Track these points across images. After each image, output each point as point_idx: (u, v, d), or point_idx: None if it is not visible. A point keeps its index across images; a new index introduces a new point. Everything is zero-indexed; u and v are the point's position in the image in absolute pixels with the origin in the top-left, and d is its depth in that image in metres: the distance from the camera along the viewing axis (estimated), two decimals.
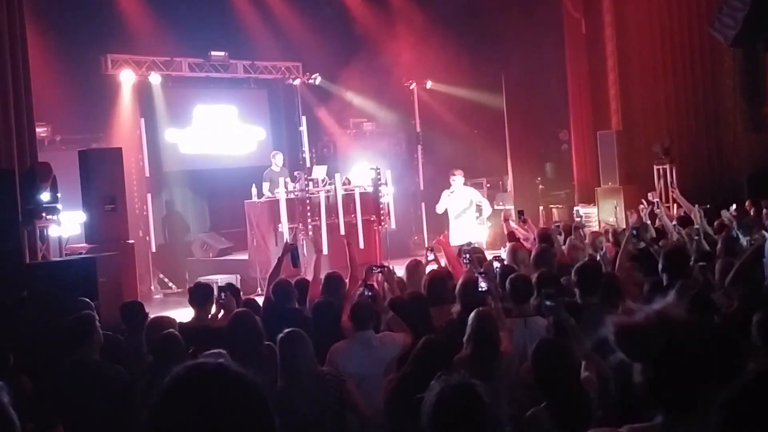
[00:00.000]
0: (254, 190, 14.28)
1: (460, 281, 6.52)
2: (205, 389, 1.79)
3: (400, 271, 8.26)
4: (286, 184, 14.13)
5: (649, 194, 14.12)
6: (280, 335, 5.00)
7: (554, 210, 16.65)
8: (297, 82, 17.94)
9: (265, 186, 14.26)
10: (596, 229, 12.83)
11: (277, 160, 14.97)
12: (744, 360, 1.91)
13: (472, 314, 5.17)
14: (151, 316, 7.13)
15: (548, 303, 5.01)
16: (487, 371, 4.72)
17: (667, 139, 15.11)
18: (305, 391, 4.86)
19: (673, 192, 13.50)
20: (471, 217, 13.28)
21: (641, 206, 10.46)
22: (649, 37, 15.81)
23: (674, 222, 9.92)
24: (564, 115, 17.08)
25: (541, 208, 16.64)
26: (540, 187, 17.15)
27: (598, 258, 7.78)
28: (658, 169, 14.98)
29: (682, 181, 14.46)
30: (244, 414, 1.79)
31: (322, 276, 7.48)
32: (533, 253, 7.80)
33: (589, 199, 15.89)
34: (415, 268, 7.73)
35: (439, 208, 13.59)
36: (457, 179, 13.27)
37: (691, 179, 14.82)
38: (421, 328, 5.82)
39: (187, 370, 1.83)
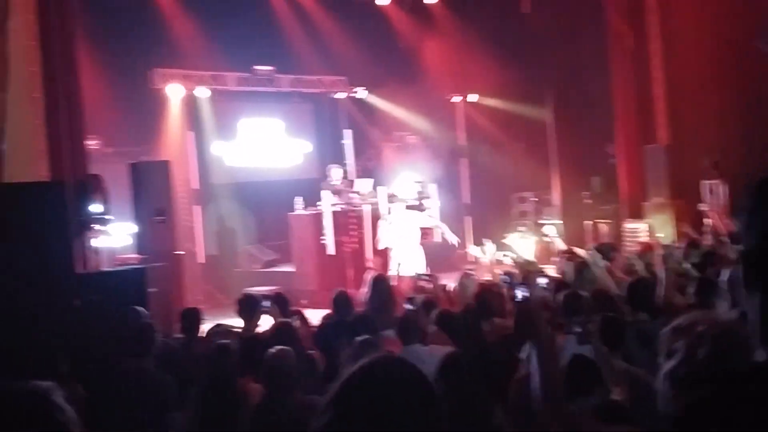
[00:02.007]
0: (299, 203, 14.34)
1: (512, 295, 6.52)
2: (392, 379, 1.85)
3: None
4: (339, 193, 14.20)
5: (699, 204, 13.92)
6: (358, 339, 5.01)
7: (601, 225, 16.44)
8: (342, 95, 18.05)
9: (325, 196, 14.16)
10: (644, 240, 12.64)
11: (334, 173, 15.06)
12: None
13: None
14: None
15: (577, 330, 4.97)
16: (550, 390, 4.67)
17: (717, 154, 14.87)
18: None
19: (719, 212, 13.28)
20: (417, 246, 12.37)
21: (687, 229, 10.26)
22: (697, 50, 15.57)
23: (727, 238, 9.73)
24: (611, 128, 16.88)
25: (588, 223, 16.48)
26: (587, 201, 16.99)
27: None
28: (707, 185, 14.75)
29: (732, 197, 14.22)
30: (425, 408, 1.84)
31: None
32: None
33: (637, 215, 15.69)
34: (468, 280, 7.74)
35: (382, 244, 12.91)
36: (396, 206, 12.45)
37: (741, 194, 14.54)
38: (472, 341, 5.80)
39: (375, 360, 1.90)
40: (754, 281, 1.50)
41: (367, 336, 5.10)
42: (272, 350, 5.12)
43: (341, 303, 6.96)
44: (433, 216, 12.25)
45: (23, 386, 2.06)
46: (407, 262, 12.15)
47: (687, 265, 7.81)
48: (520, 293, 6.26)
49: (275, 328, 6.31)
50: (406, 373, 1.88)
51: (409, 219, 12.50)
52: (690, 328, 2.35)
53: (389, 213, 12.54)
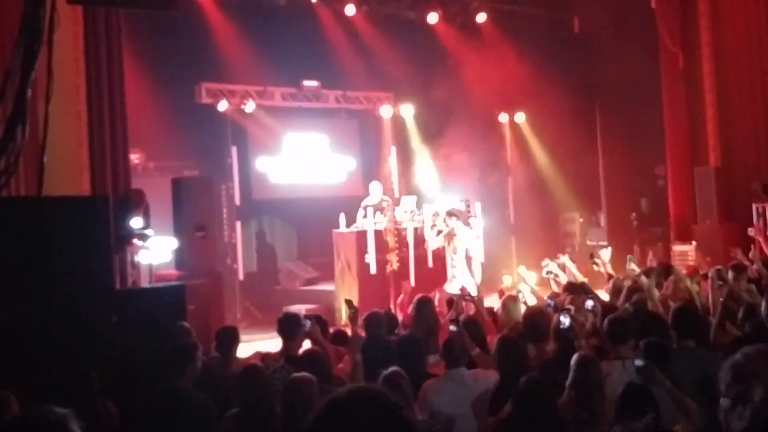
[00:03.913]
0: (342, 220, 14.21)
1: (555, 318, 6.36)
2: (364, 414, 1.80)
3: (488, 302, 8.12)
4: (383, 211, 14.05)
5: (749, 230, 13.58)
6: (384, 373, 4.83)
7: (648, 248, 16.13)
8: (388, 112, 17.96)
9: (368, 213, 14.01)
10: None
11: (374, 191, 14.79)
12: None
13: (575, 359, 4.94)
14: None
15: (639, 364, 4.77)
16: (592, 418, 4.50)
17: (767, 176, 14.54)
18: None
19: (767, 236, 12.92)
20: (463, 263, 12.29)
21: (736, 250, 10.01)
22: (748, 71, 15.26)
23: None
24: (660, 149, 16.64)
25: (635, 245, 16.19)
26: (635, 223, 16.71)
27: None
28: (757, 207, 14.40)
29: None
30: None
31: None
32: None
33: (686, 237, 15.38)
34: (513, 303, 7.56)
35: (433, 244, 12.96)
36: (454, 222, 12.13)
37: None
38: (515, 365, 5.61)
39: (349, 393, 1.86)
40: None
41: (395, 368, 4.90)
42: (295, 375, 4.97)
43: (373, 323, 6.81)
44: (477, 249, 12.06)
45: (40, 414, 2.12)
46: (456, 278, 12.04)
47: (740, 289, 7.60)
48: (567, 321, 6.04)
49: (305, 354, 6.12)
50: (379, 406, 1.81)
51: (462, 235, 12.37)
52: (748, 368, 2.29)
53: (445, 225, 12.43)
